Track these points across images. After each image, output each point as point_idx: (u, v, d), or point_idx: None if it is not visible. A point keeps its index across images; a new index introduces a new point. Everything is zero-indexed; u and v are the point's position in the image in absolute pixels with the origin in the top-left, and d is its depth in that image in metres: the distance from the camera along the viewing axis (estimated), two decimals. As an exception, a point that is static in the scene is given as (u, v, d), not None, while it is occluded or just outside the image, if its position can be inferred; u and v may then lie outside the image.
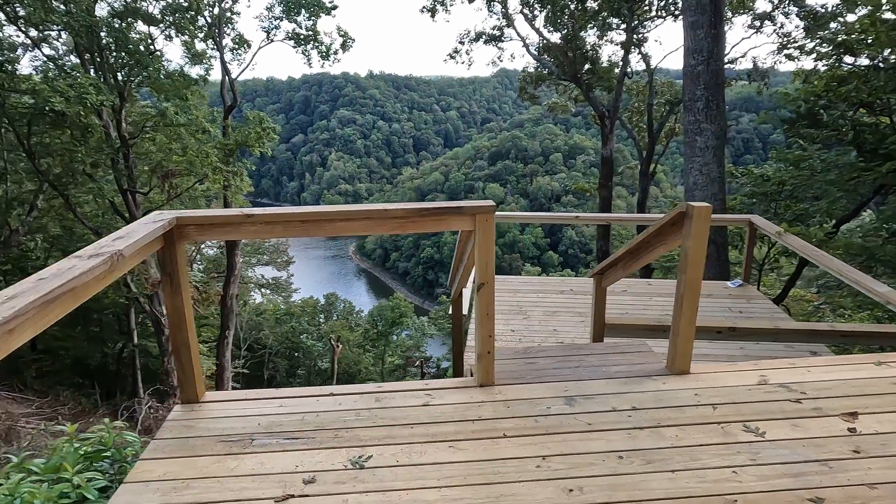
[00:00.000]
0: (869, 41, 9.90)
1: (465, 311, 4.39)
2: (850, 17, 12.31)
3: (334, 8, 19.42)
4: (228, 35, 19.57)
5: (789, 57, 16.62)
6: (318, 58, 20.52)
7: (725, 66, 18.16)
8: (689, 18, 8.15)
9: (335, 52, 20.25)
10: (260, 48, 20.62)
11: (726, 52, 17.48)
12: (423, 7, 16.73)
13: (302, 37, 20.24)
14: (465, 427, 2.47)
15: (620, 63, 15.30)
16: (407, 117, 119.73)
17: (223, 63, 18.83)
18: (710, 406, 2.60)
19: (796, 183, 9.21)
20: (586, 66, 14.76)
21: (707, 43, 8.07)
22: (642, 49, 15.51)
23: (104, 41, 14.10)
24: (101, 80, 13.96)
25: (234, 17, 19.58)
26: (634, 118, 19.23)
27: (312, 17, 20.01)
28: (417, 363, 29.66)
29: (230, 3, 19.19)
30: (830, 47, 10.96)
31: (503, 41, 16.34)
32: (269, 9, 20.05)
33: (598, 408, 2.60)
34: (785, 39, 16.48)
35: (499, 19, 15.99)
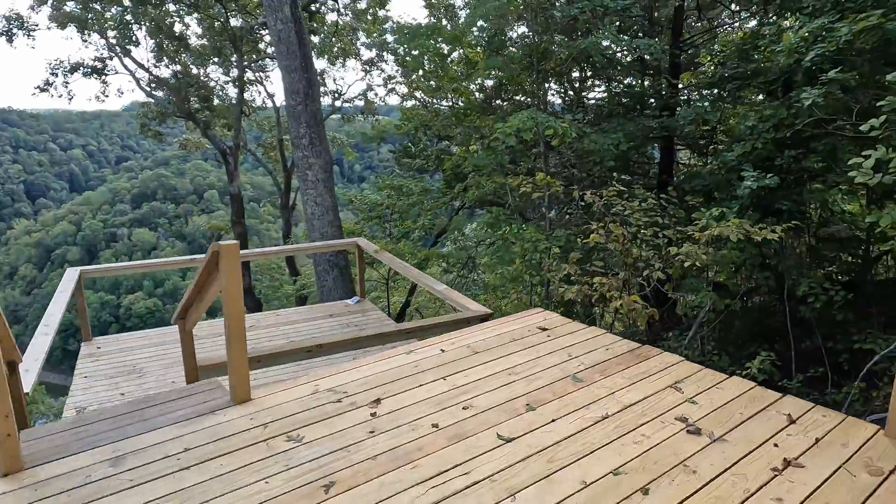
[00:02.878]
0: (437, 87, 12.27)
1: (27, 390, 3.77)
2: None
3: None
4: None
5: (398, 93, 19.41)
6: None
7: (346, 105, 20.10)
8: (283, 62, 8.77)
9: None
10: None
11: (345, 91, 19.39)
12: (-6, 29, 13.92)
13: None
14: (-30, 531, 2.13)
15: (235, 101, 15.50)
16: (11, 158, 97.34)
17: None
18: (262, 426, 2.82)
19: (401, 205, 10.80)
20: (203, 103, 14.49)
21: (303, 85, 8.80)
22: (266, 87, 16.11)
23: None
24: None
25: None
26: (272, 153, 19.69)
27: None
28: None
29: None
30: (412, 90, 13.19)
31: (108, 74, 14.81)
32: None
33: (148, 459, 2.55)
34: (389, 82, 19.19)
35: (97, 50, 14.44)
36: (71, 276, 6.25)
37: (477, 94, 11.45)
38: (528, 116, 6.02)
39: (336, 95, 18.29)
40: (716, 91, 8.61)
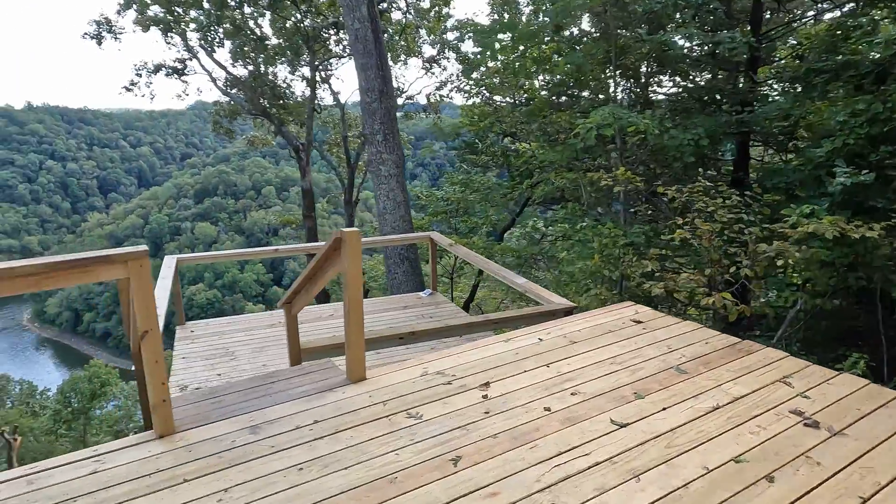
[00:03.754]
0: (504, 84, 12.30)
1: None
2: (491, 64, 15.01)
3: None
4: None
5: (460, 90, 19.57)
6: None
7: (408, 102, 20.41)
8: (360, 61, 9.01)
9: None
10: None
11: (406, 89, 19.67)
12: (86, 34, 14.88)
13: None
14: (140, 484, 2.36)
15: (307, 98, 16.01)
16: (86, 155, 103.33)
17: None
18: (381, 403, 2.98)
19: (469, 201, 10.92)
20: (276, 101, 15.07)
21: (378, 83, 9.03)
22: (331, 85, 16.57)
23: None
24: None
25: None
26: (335, 150, 20.21)
27: None
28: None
29: None
30: (479, 88, 13.25)
31: (187, 74, 15.59)
32: None
33: (282, 429, 2.75)
34: (450, 79, 19.35)
35: (179, 51, 15.23)
36: (169, 263, 6.64)
37: (544, 91, 11.42)
38: (609, 112, 6.02)
39: (398, 93, 18.58)
40: (797, 86, 8.30)
